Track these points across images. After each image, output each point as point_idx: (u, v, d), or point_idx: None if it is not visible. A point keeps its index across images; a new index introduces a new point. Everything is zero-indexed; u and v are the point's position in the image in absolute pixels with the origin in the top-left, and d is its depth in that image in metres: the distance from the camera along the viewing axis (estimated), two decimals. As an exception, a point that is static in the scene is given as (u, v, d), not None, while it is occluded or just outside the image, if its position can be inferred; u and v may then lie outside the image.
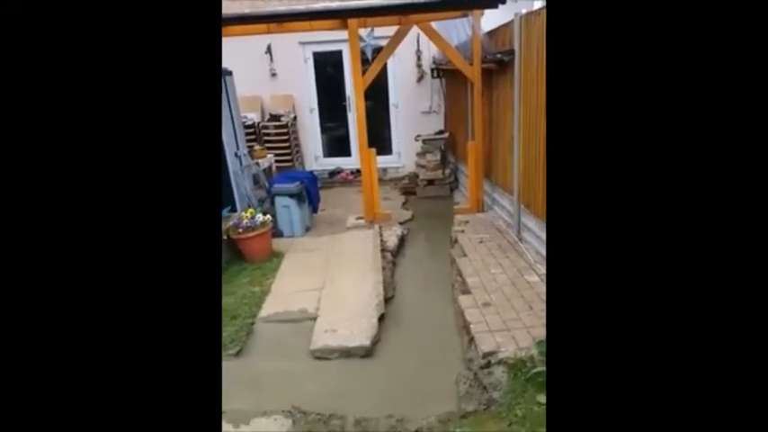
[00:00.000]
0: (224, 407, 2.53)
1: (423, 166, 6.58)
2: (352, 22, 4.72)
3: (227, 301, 3.71)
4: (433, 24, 5.12)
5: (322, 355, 3.00)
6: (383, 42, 5.10)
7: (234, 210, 5.24)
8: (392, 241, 4.74)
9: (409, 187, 6.75)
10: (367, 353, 2.99)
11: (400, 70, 7.30)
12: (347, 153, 7.66)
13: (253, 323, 3.42)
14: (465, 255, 4.10)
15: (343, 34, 4.85)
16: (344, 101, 7.47)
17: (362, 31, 4.96)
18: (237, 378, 2.86)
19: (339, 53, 7.20)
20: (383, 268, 4.09)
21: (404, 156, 7.54)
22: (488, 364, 2.63)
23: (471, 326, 2.95)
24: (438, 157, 6.55)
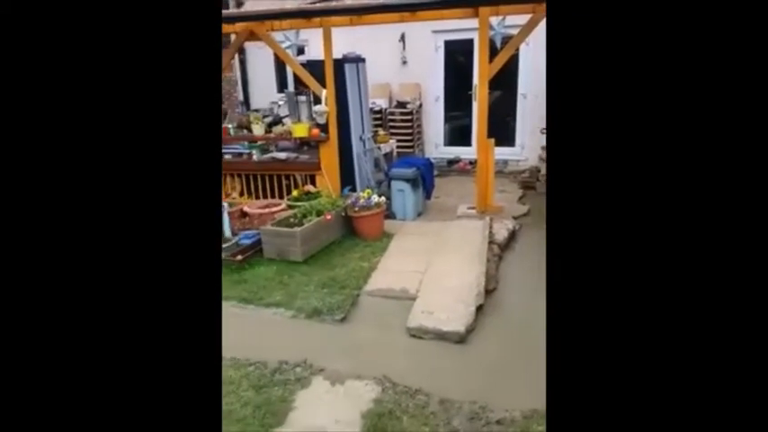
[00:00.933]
0: (324, 365, 2.81)
1: (546, 160, 6.31)
2: (483, 10, 4.68)
3: (338, 273, 4.03)
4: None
5: (417, 333, 3.13)
6: (514, 32, 4.97)
7: (353, 189, 5.60)
8: (501, 234, 4.67)
9: (529, 182, 6.52)
10: (460, 339, 3.05)
11: (533, 60, 7.02)
12: (468, 143, 7.62)
13: (358, 295, 3.68)
14: (577, 257, 3.90)
15: (475, 23, 4.83)
16: (471, 90, 7.42)
17: (493, 20, 4.87)
18: (339, 341, 3.13)
19: (470, 42, 7.14)
20: (488, 260, 4.08)
21: (527, 149, 7.29)
22: (584, 371, 2.52)
23: (572, 329, 2.84)
24: (563, 152, 6.21)
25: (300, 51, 5.50)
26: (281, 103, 6.75)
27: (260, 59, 8.15)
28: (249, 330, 3.31)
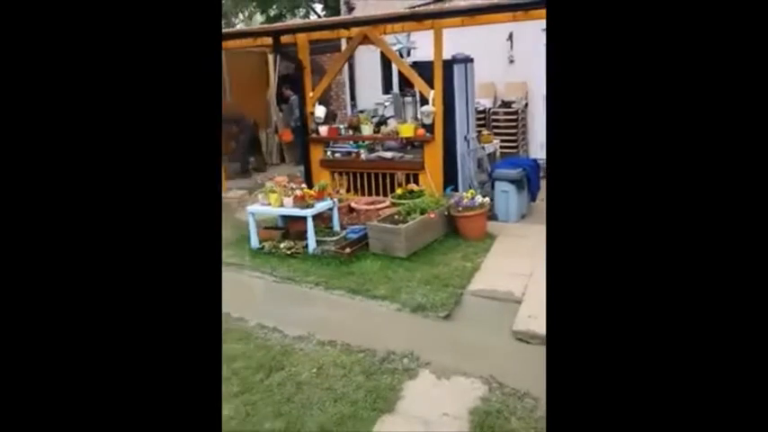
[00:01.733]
0: (430, 359, 2.89)
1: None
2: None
3: (440, 270, 4.10)
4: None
5: (523, 337, 3.10)
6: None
7: (456, 189, 5.62)
8: (615, 242, 4.42)
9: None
10: (570, 347, 2.97)
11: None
12: (576, 144, 7.27)
13: (461, 294, 3.72)
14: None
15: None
16: (582, 89, 7.07)
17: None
18: (443, 338, 3.20)
19: (584, 38, 6.81)
20: (600, 268, 3.89)
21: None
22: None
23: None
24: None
25: (406, 53, 5.65)
26: (386, 104, 6.96)
27: (366, 62, 8.46)
28: (358, 319, 3.50)
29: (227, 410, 2.52)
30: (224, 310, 3.63)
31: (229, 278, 4.39)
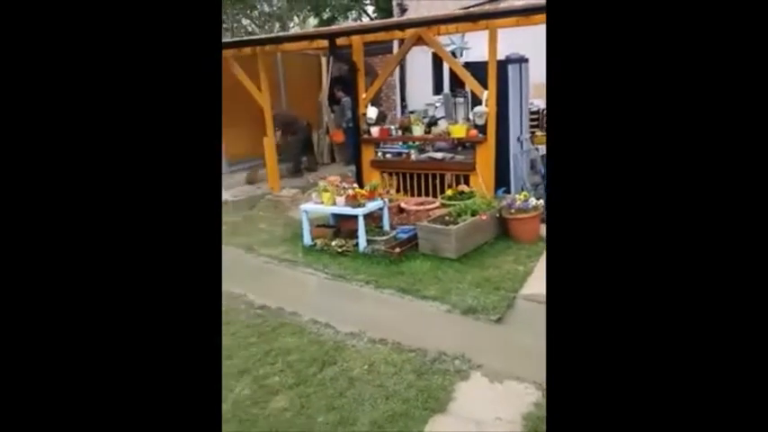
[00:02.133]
0: (482, 362, 2.86)
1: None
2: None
3: (491, 273, 4.05)
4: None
5: (579, 344, 3.01)
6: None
7: (507, 191, 5.53)
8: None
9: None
10: (629, 356, 2.85)
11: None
12: (636, 146, 6.96)
13: (514, 297, 3.65)
14: None
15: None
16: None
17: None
18: (495, 341, 3.16)
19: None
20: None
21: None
22: None
23: None
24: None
25: (460, 53, 5.62)
26: (437, 104, 6.94)
27: (417, 63, 8.46)
28: (408, 319, 3.52)
29: (282, 402, 2.60)
30: (278, 304, 3.77)
31: (283, 274, 4.54)
